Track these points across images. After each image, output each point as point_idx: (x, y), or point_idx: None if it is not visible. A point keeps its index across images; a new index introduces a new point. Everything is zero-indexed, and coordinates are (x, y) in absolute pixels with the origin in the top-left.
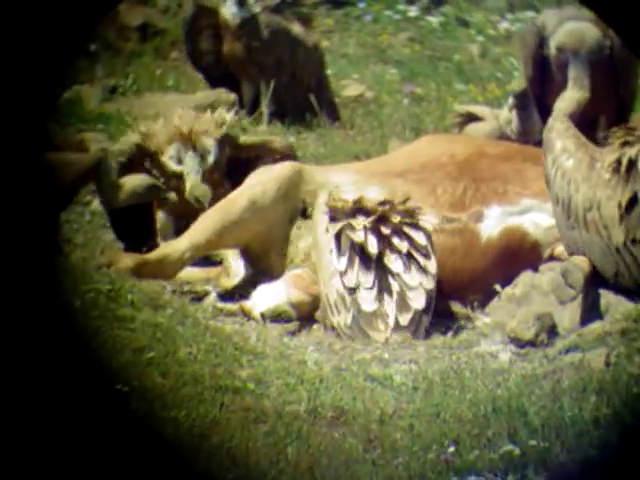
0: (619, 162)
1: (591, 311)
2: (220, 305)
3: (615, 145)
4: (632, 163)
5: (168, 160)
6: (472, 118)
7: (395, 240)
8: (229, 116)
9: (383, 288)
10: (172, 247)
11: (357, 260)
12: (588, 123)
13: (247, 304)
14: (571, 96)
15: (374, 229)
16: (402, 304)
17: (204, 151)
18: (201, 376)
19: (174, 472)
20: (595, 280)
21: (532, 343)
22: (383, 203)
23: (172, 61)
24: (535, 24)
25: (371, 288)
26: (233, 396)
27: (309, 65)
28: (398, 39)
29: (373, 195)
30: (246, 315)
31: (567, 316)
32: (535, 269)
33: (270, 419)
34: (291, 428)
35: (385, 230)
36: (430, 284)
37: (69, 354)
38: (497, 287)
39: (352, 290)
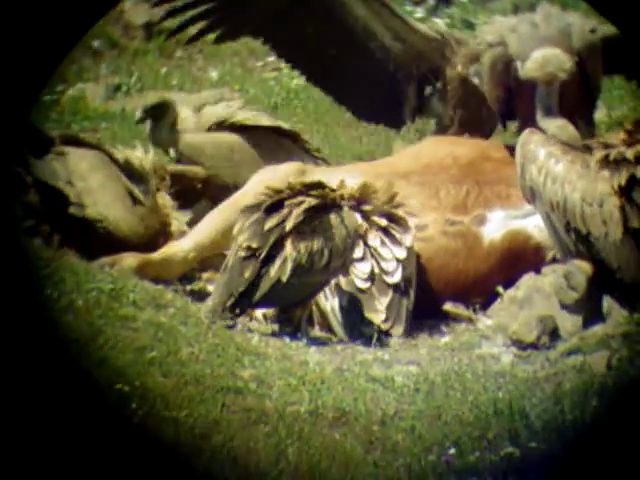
0: (607, 158)
1: (593, 314)
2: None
3: (599, 148)
4: (622, 156)
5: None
6: None
7: (375, 217)
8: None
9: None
10: (176, 247)
11: None
12: None
13: None
14: (547, 126)
15: (356, 208)
16: (380, 286)
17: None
18: (203, 376)
19: (175, 472)
20: (598, 283)
21: (534, 345)
22: (362, 186)
23: (177, 60)
24: (503, 48)
25: (363, 259)
26: (235, 396)
27: None
28: None
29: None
30: (248, 315)
31: (569, 319)
32: (538, 271)
33: (271, 420)
34: (292, 429)
35: (366, 207)
36: (403, 254)
37: (70, 354)
38: (499, 289)
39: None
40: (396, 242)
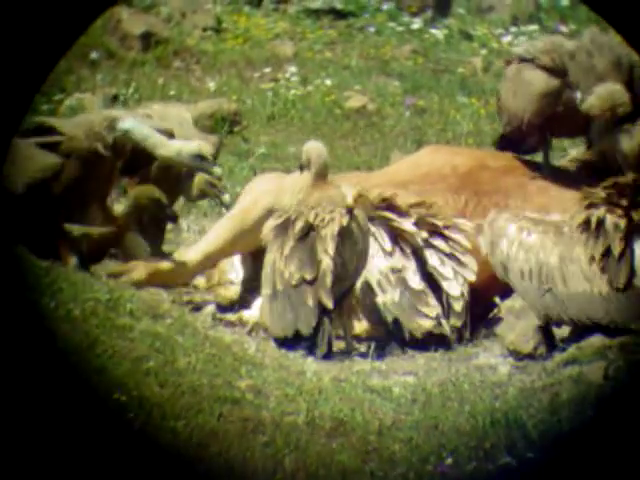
0: (588, 222)
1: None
2: (219, 315)
3: (581, 208)
4: (601, 222)
5: None
6: None
7: (435, 241)
8: None
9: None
10: (185, 256)
11: (397, 249)
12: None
13: (247, 314)
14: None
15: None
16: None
17: None
18: (200, 386)
19: None
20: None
21: (531, 356)
22: (415, 205)
23: (174, 70)
24: (568, 78)
25: (416, 273)
26: (232, 406)
27: None
28: (401, 51)
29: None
30: (245, 325)
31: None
32: None
33: (268, 430)
34: (289, 439)
35: (424, 233)
36: (470, 276)
37: (67, 363)
38: (497, 300)
39: (397, 270)
40: (460, 263)
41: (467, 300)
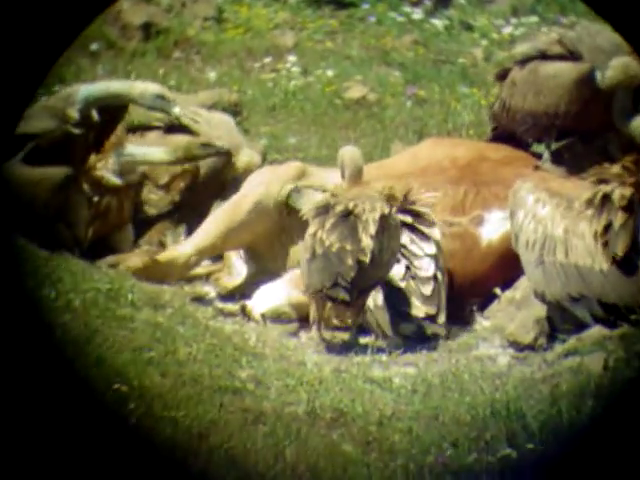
0: (594, 197)
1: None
2: (220, 305)
3: (591, 183)
4: (607, 197)
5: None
6: None
7: (400, 215)
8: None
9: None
10: (179, 251)
11: None
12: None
13: (248, 305)
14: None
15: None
16: (420, 280)
17: None
18: (200, 376)
19: (172, 472)
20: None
21: (531, 347)
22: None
23: (175, 61)
24: (588, 63)
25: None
26: (232, 397)
27: None
28: (402, 41)
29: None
30: (246, 316)
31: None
32: None
33: (269, 420)
34: (290, 429)
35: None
36: (432, 249)
37: (68, 354)
38: (497, 291)
39: None
40: (424, 237)
41: (441, 283)
